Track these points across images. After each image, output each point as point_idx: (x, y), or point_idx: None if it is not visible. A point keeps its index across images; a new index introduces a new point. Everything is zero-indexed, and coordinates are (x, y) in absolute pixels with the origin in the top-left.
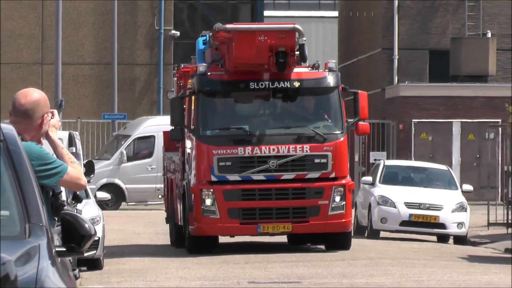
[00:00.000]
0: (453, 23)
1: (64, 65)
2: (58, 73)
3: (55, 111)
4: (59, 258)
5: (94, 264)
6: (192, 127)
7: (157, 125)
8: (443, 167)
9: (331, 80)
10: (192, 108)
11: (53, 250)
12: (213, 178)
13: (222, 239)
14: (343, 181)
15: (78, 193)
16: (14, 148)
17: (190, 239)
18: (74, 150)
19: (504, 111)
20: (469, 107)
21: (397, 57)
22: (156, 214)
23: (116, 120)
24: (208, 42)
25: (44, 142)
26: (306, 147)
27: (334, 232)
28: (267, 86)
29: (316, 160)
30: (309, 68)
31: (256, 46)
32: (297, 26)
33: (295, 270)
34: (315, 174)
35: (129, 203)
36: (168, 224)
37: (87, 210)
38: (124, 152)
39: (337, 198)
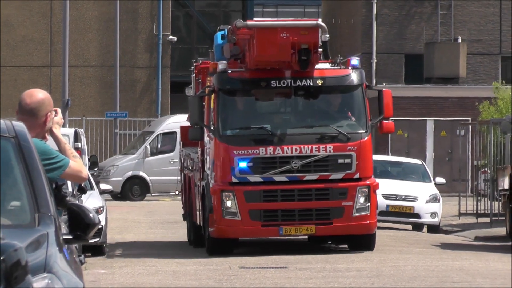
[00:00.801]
0: (427, 30)
1: (70, 68)
2: (65, 75)
3: (59, 109)
4: (66, 246)
5: (97, 250)
6: (212, 126)
7: (179, 122)
8: (417, 161)
9: (354, 77)
10: (212, 107)
11: (61, 238)
12: (234, 179)
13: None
14: (368, 182)
15: (83, 184)
16: (25, 144)
17: (210, 241)
18: (79, 146)
19: (474, 110)
20: (441, 107)
21: (375, 60)
22: (155, 204)
23: (118, 118)
24: (226, 36)
25: (49, 138)
26: (330, 147)
27: (358, 234)
28: (289, 84)
29: (340, 160)
30: (331, 64)
31: (278, 43)
32: (320, 22)
33: (283, 256)
34: (339, 175)
35: (153, 194)
36: (185, 221)
37: (91, 201)
38: (148, 147)
39: (362, 199)
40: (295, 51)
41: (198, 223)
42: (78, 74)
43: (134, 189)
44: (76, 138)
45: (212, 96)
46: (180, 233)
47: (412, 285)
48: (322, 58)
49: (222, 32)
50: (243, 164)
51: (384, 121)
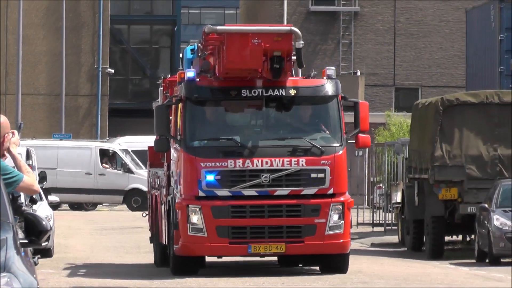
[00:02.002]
0: (330, 64)
1: (23, 95)
2: (18, 101)
3: (16, 132)
4: (22, 249)
5: (46, 253)
6: (178, 137)
7: (125, 142)
8: None
9: (330, 88)
10: (179, 117)
11: (18, 242)
12: (201, 193)
13: (209, 259)
14: (342, 198)
15: (34, 196)
16: None
17: (175, 259)
18: (30, 163)
19: (370, 134)
20: None
21: None
22: (94, 213)
23: (63, 139)
24: (196, 51)
25: (7, 156)
26: (302, 161)
27: (331, 253)
28: (260, 94)
29: (313, 175)
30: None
31: (249, 49)
32: (294, 28)
33: (253, 278)
34: (311, 190)
35: (103, 204)
36: (152, 244)
37: (41, 210)
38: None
39: (335, 217)
40: (267, 58)
41: (164, 242)
42: (29, 101)
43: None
44: (28, 156)
45: (179, 105)
46: (116, 238)
47: (317, 285)
48: (297, 67)
49: (192, 47)
50: (210, 177)
51: (360, 135)
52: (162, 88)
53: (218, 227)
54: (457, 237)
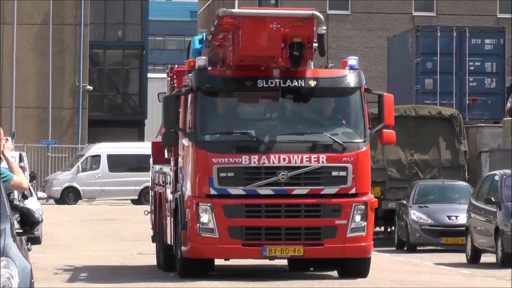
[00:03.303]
0: None
1: (16, 108)
2: (12, 113)
3: (9, 138)
4: (18, 237)
5: (35, 240)
6: (188, 130)
7: (103, 148)
8: None
9: (352, 79)
10: (189, 108)
11: (14, 232)
12: (212, 191)
13: (218, 261)
14: (365, 198)
15: (25, 193)
16: None
17: (183, 262)
18: (22, 165)
19: None
20: None
21: None
22: (77, 207)
23: (50, 145)
24: (204, 41)
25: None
26: (322, 157)
27: (352, 257)
28: (277, 85)
29: (334, 173)
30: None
31: (267, 35)
32: (316, 12)
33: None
34: (332, 189)
35: (83, 200)
36: (154, 243)
37: (31, 204)
38: (80, 165)
39: (357, 218)
40: (286, 45)
41: (169, 243)
42: (21, 113)
43: (69, 196)
44: (20, 159)
45: (190, 96)
46: (94, 228)
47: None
48: (319, 55)
49: (200, 37)
50: (223, 174)
51: (385, 130)
52: (169, 78)
53: (230, 228)
54: (380, 228)
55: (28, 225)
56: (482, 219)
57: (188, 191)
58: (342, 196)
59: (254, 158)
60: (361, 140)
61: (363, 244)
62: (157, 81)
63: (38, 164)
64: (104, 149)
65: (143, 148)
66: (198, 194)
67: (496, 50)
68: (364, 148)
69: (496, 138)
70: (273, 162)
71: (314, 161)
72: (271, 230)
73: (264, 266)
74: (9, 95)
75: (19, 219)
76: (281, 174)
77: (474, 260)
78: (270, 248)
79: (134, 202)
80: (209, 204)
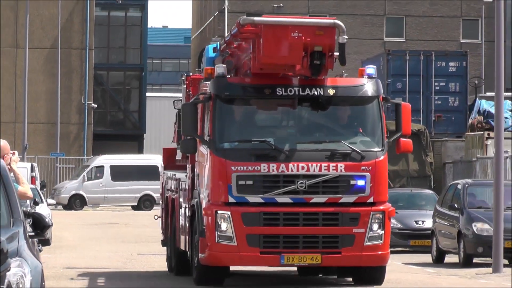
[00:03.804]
0: None
1: (28, 124)
2: (25, 128)
3: (16, 152)
4: (30, 239)
5: (45, 242)
6: (207, 138)
7: (106, 159)
8: None
9: (370, 88)
10: (207, 116)
11: (27, 234)
12: (231, 199)
13: (233, 268)
14: (382, 207)
15: (36, 200)
16: (5, 175)
17: (200, 269)
18: (34, 174)
19: None
20: None
21: None
22: (83, 212)
23: (58, 157)
24: (218, 50)
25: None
26: (341, 166)
27: (370, 266)
28: (296, 93)
29: (352, 182)
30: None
31: (288, 43)
32: (338, 21)
33: None
34: (350, 198)
35: (89, 205)
36: (165, 247)
37: (42, 210)
38: (85, 175)
39: (375, 227)
40: (307, 53)
41: (183, 248)
42: (32, 128)
43: (76, 202)
44: (32, 169)
45: (208, 104)
46: (98, 231)
47: None
48: (340, 64)
49: (214, 45)
50: (242, 182)
51: (402, 139)
52: (185, 86)
53: (248, 236)
54: None
55: (39, 228)
56: (446, 223)
57: (206, 199)
58: (360, 205)
59: (273, 166)
60: (379, 149)
61: (380, 252)
62: (155, 100)
63: (47, 174)
64: (107, 160)
65: (143, 159)
66: (217, 201)
67: (459, 71)
68: (382, 157)
69: (459, 150)
70: (292, 171)
71: (333, 169)
72: (289, 238)
73: (274, 272)
74: (22, 112)
75: (31, 223)
76: (299, 182)
77: (439, 260)
78: (288, 256)
79: (134, 208)
80: (227, 212)
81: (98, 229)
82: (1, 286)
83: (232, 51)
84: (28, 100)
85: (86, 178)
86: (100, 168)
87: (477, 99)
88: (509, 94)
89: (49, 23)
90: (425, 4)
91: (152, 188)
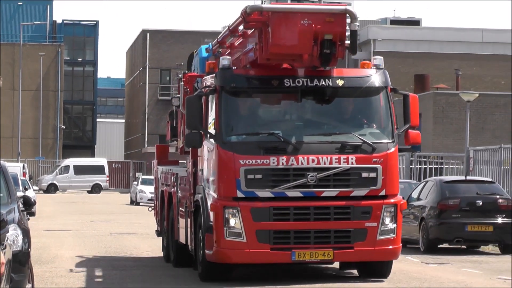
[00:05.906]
0: None
1: (21, 138)
2: (19, 141)
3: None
4: (22, 213)
5: (31, 214)
6: (213, 131)
7: (70, 161)
8: None
9: (379, 79)
10: (212, 109)
11: (20, 209)
12: (240, 194)
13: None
14: (394, 200)
15: (26, 186)
16: (4, 170)
17: (206, 265)
18: (25, 170)
19: None
20: None
21: None
22: (56, 195)
23: (40, 159)
24: (211, 50)
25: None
26: (352, 158)
27: (383, 260)
28: (304, 84)
29: (364, 174)
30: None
31: (297, 31)
32: (349, 8)
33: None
34: (362, 191)
35: (60, 191)
36: (160, 237)
37: (29, 193)
38: (57, 171)
39: (387, 220)
40: (316, 42)
41: (182, 241)
42: (24, 141)
43: (51, 189)
44: (24, 167)
45: (213, 96)
46: (71, 208)
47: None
48: (350, 53)
49: (207, 46)
50: (250, 176)
51: (410, 131)
52: (182, 83)
53: (258, 231)
54: None
55: (28, 205)
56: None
57: (213, 194)
58: (372, 198)
59: (282, 159)
60: (390, 141)
61: (392, 247)
62: (102, 123)
63: (33, 170)
64: (72, 161)
65: (94, 161)
66: (225, 196)
67: None
68: (392, 149)
69: None
70: (302, 164)
71: (344, 162)
72: (300, 234)
73: (279, 265)
74: (17, 131)
75: (22, 201)
76: (310, 175)
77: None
78: (299, 252)
79: (88, 192)
80: (236, 208)
81: (66, 206)
82: (3, 243)
83: (224, 50)
84: (21, 123)
85: (58, 173)
86: (67, 167)
87: None
88: None
89: (34, 74)
90: None
91: (100, 179)
